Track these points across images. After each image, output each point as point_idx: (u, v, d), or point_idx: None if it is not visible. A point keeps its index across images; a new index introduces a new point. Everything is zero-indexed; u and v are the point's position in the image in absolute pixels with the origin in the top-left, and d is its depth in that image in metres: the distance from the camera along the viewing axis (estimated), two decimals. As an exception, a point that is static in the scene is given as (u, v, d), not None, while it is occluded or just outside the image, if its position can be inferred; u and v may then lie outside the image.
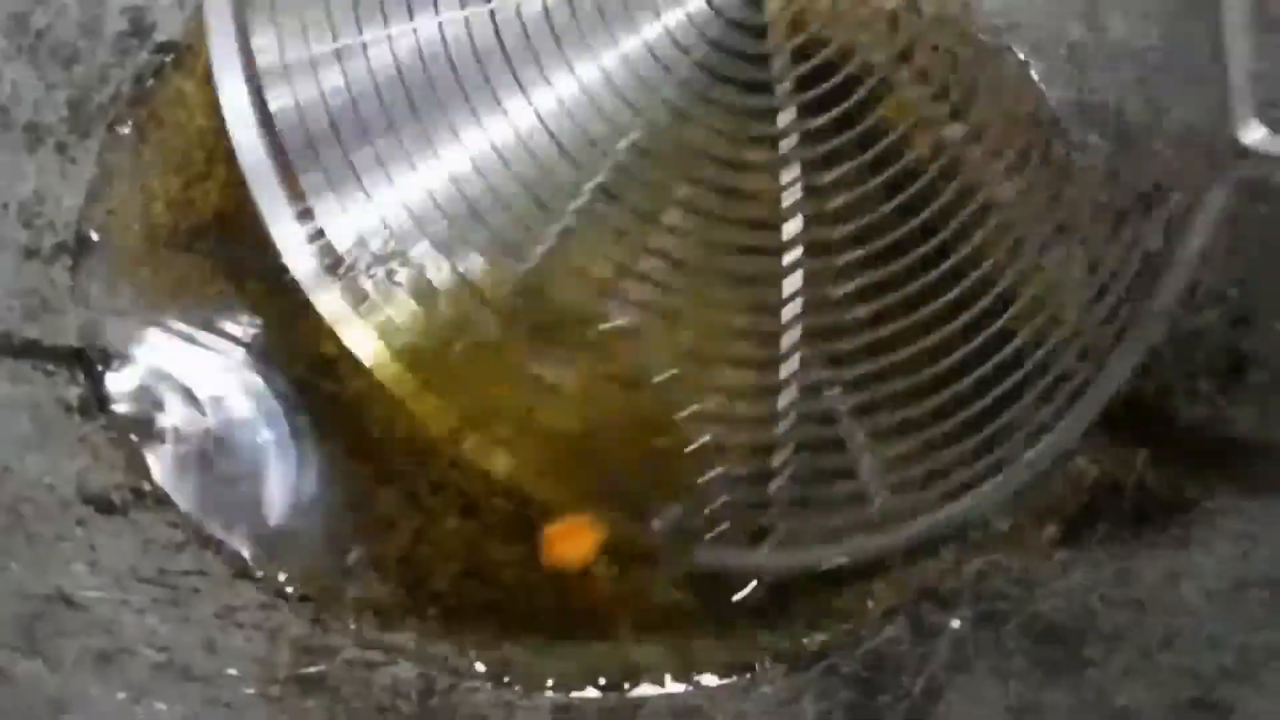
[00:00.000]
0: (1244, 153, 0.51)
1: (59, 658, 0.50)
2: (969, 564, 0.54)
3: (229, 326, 0.57)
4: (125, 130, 0.61)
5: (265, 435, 0.56)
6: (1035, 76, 0.61)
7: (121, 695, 0.50)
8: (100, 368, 0.58)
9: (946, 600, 0.54)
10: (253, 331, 0.57)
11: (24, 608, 0.51)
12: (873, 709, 0.51)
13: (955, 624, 0.53)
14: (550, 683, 0.53)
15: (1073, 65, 0.61)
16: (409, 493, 0.56)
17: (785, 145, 0.54)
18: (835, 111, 0.54)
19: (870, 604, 0.54)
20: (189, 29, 0.63)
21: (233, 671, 0.52)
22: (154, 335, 0.59)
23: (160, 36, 0.64)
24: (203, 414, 0.57)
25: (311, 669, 0.52)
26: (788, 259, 0.54)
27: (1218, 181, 0.53)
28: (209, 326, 0.57)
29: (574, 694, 0.53)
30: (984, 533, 0.55)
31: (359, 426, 0.57)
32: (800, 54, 0.54)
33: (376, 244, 0.54)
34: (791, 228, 0.54)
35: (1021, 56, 0.61)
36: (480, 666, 0.53)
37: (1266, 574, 0.50)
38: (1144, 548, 0.53)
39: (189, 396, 0.57)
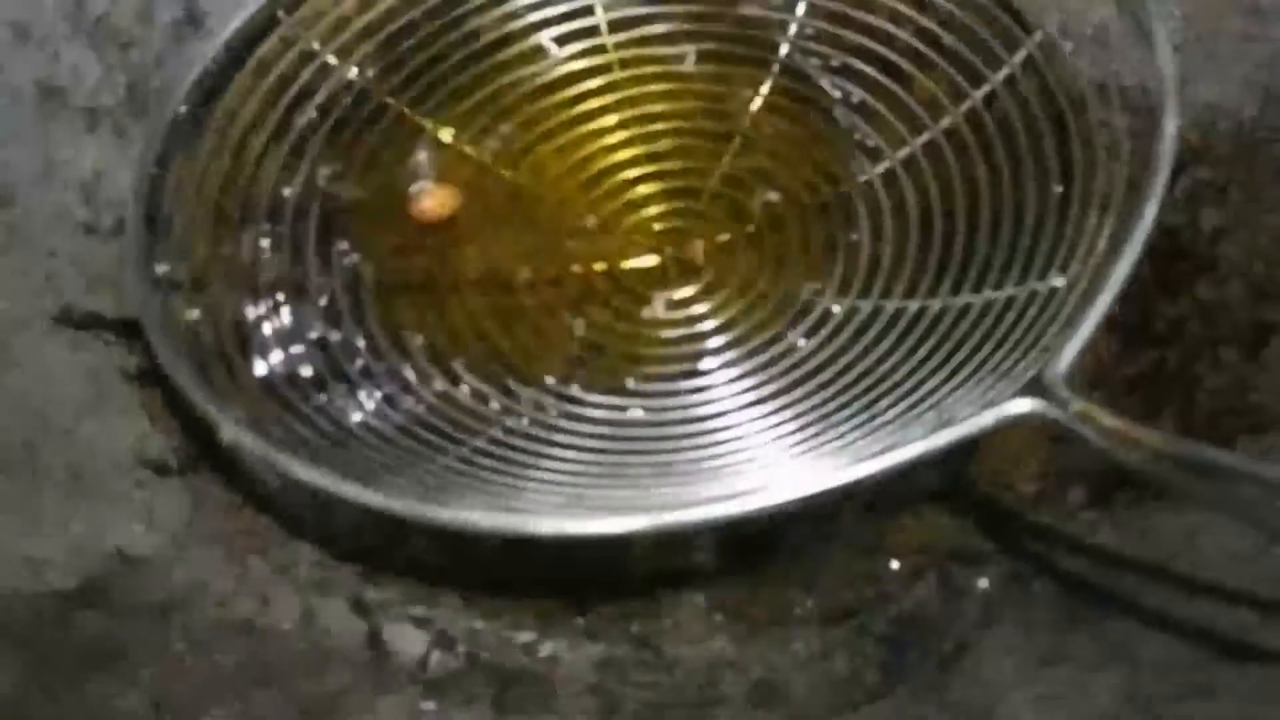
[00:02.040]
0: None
1: (119, 609, 0.52)
2: (998, 527, 0.55)
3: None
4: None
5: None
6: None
7: (180, 645, 0.52)
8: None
9: (975, 561, 0.55)
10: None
11: (86, 563, 0.53)
12: (903, 664, 0.53)
13: (983, 584, 0.54)
14: (591, 640, 0.54)
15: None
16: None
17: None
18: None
19: (899, 565, 0.55)
20: (241, 19, 0.64)
21: (286, 626, 0.53)
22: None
23: (212, 24, 0.65)
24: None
25: (362, 624, 0.54)
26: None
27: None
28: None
29: (614, 650, 0.54)
30: (1011, 497, 0.56)
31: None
32: None
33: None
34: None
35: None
36: (523, 624, 0.54)
37: (1285, 533, 0.52)
38: (1167, 510, 0.54)
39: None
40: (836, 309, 0.58)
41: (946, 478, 0.56)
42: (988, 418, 0.50)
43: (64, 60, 0.63)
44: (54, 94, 0.63)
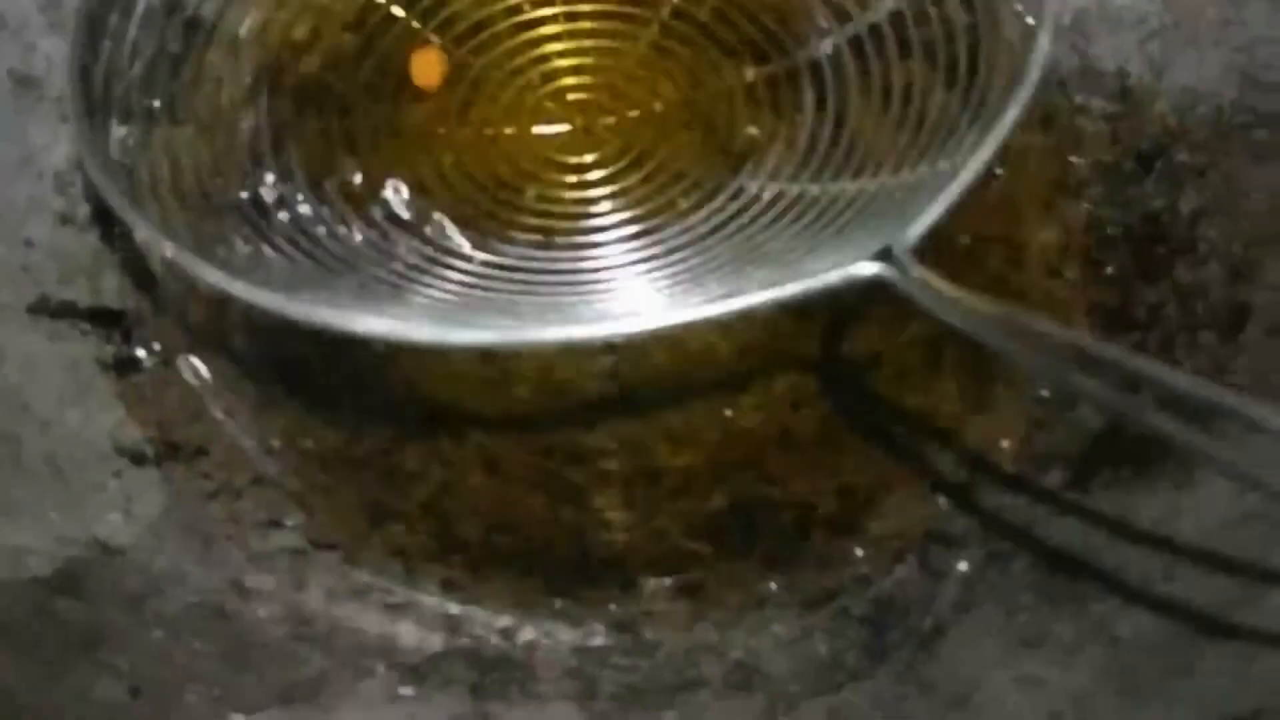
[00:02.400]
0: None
1: (96, 596, 0.52)
2: (977, 509, 0.56)
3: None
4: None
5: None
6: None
7: (158, 633, 0.52)
8: (133, 328, 0.60)
9: (955, 543, 0.55)
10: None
11: (63, 551, 0.53)
12: (882, 645, 0.53)
13: (963, 565, 0.54)
14: (571, 625, 0.54)
15: (1075, 31, 0.62)
16: (433, 447, 0.57)
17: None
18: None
19: (879, 548, 0.55)
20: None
21: (263, 614, 0.53)
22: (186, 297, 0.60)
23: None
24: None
25: (339, 612, 0.54)
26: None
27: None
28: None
29: (593, 637, 0.54)
30: (990, 479, 0.56)
31: (387, 382, 0.58)
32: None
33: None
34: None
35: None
36: (503, 609, 0.54)
37: (1261, 510, 0.52)
38: (1145, 489, 0.54)
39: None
40: (723, 186, 0.61)
41: (923, 397, 0.59)
42: (834, 275, 0.52)
43: (39, 50, 0.63)
44: (29, 84, 0.62)
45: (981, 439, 0.58)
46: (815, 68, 0.64)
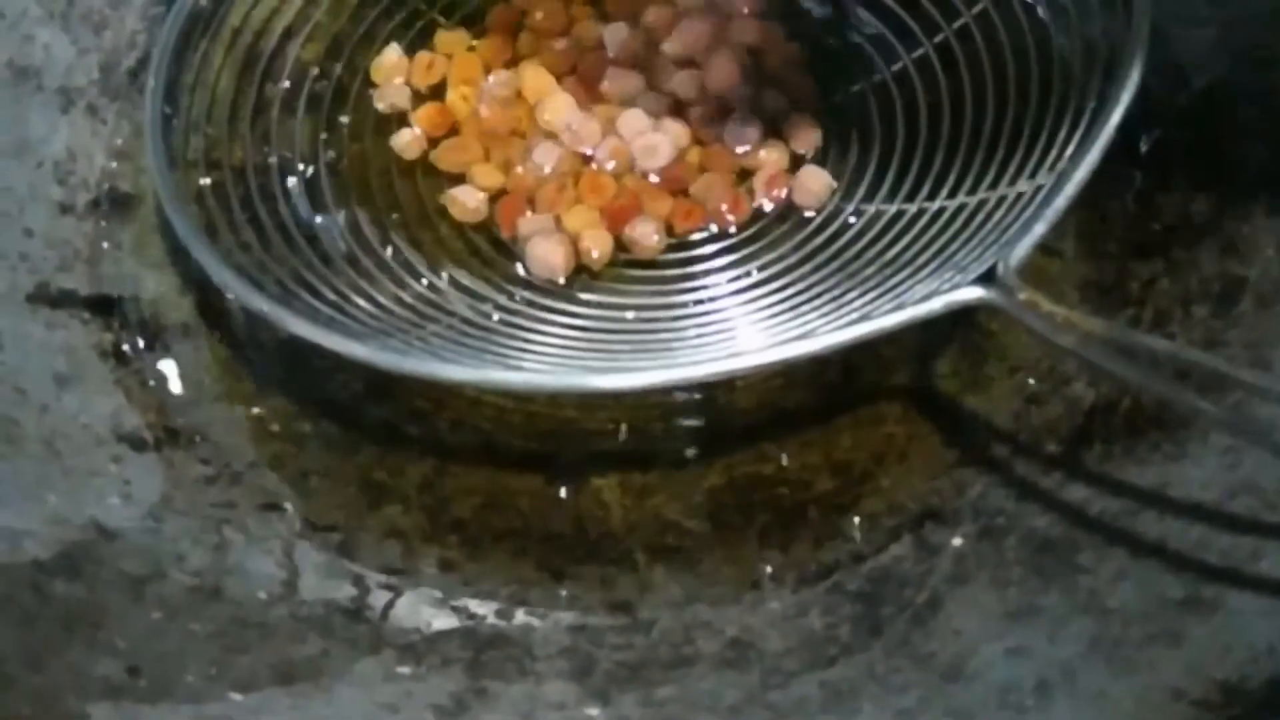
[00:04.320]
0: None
1: (95, 580, 0.52)
2: (971, 485, 0.56)
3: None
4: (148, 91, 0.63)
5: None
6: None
7: (157, 615, 0.52)
8: (132, 315, 0.60)
9: (948, 519, 0.55)
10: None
11: (62, 534, 0.53)
12: (876, 620, 0.53)
13: (956, 541, 0.54)
14: (567, 603, 0.54)
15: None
16: (430, 427, 0.58)
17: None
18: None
19: (873, 524, 0.55)
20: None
21: (262, 595, 0.54)
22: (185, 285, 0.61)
23: (186, 2, 0.65)
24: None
25: (336, 593, 0.54)
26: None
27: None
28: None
29: (589, 615, 0.54)
30: (984, 454, 0.56)
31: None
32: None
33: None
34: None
35: None
36: (500, 589, 0.55)
37: (1251, 483, 0.52)
38: (1136, 463, 0.54)
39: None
40: (815, 212, 0.61)
41: (918, 374, 0.59)
42: (937, 303, 0.53)
43: (37, 41, 0.63)
44: (27, 75, 0.63)
45: (976, 414, 0.58)
46: (904, 80, 0.64)
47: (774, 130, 0.63)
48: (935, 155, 0.61)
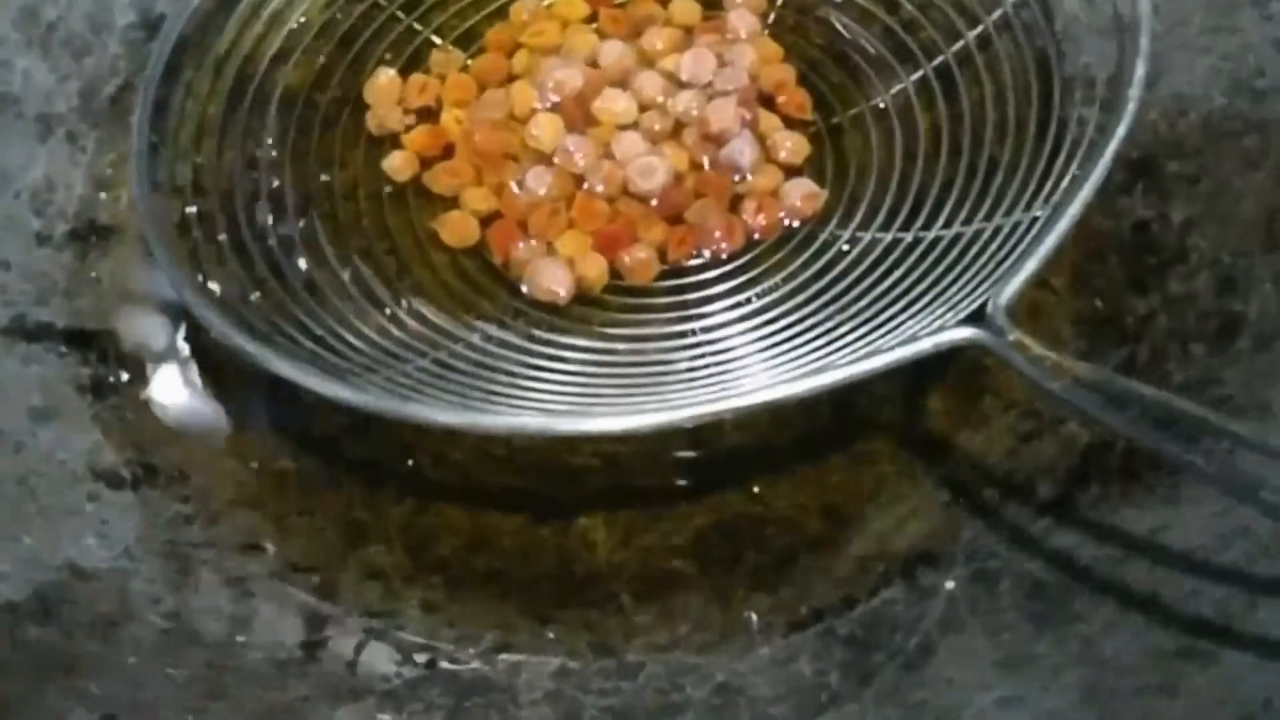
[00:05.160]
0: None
1: (69, 623, 0.51)
2: (964, 527, 0.55)
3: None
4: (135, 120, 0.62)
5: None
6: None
7: (132, 659, 0.51)
8: (110, 349, 0.59)
9: (941, 562, 0.54)
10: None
11: (36, 576, 0.52)
12: (867, 667, 0.52)
13: (949, 584, 0.54)
14: (552, 647, 0.53)
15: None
16: (412, 466, 0.57)
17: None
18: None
19: (865, 566, 0.54)
20: (197, 20, 0.63)
21: (240, 639, 0.53)
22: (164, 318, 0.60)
23: (168, 28, 0.64)
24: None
25: (317, 636, 0.53)
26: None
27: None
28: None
29: (574, 660, 0.53)
30: (977, 496, 0.55)
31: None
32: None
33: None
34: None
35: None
36: (483, 631, 0.54)
37: (1249, 529, 0.51)
38: (1131, 506, 0.54)
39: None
40: (808, 239, 0.60)
41: (910, 411, 0.58)
42: (926, 343, 0.52)
43: (15, 68, 0.62)
44: (5, 102, 0.62)
45: (969, 453, 0.57)
46: (903, 104, 0.63)
47: (769, 153, 0.62)
48: (931, 183, 0.60)
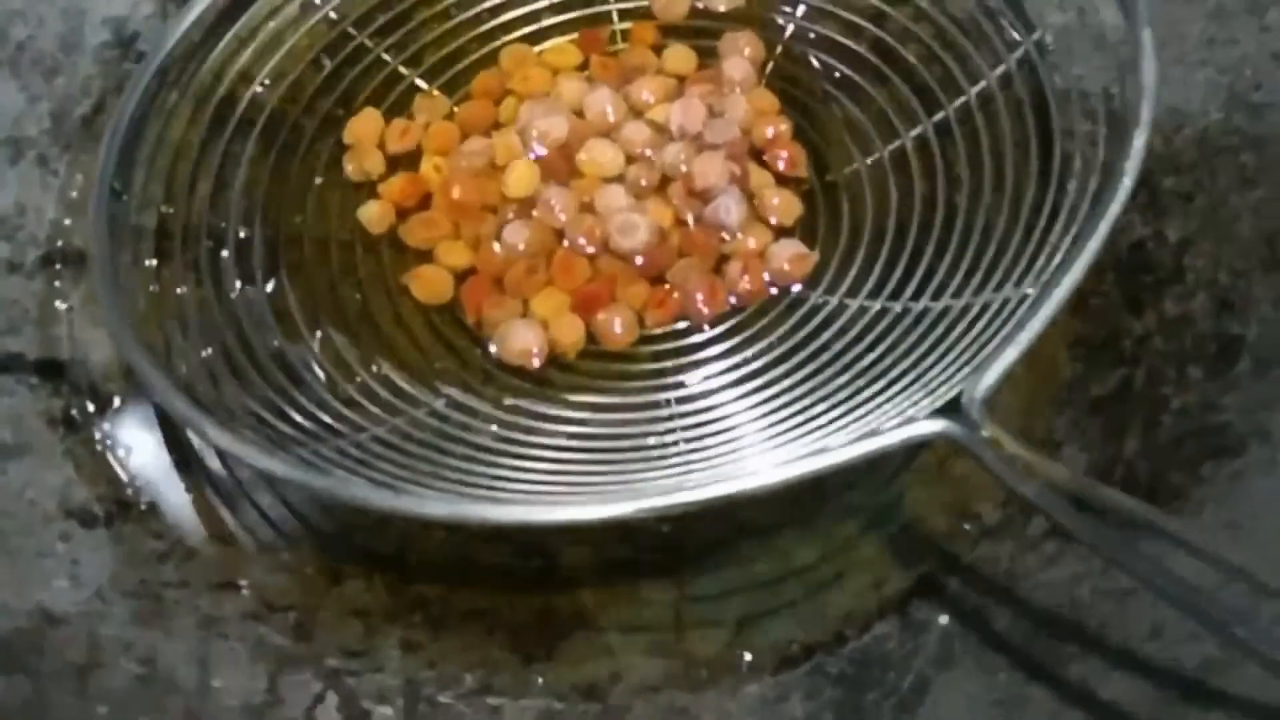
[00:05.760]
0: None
1: (38, 672, 0.50)
2: (959, 558, 0.54)
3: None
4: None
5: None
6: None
7: (102, 709, 0.50)
8: (84, 381, 0.58)
9: (935, 595, 0.53)
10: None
11: (3, 623, 0.51)
12: (860, 707, 0.51)
13: (943, 620, 0.52)
14: (537, 687, 0.52)
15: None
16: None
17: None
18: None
19: (857, 601, 0.53)
20: (174, 41, 0.62)
21: (216, 683, 0.52)
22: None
23: (142, 47, 0.63)
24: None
25: (296, 678, 0.52)
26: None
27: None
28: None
29: (559, 701, 0.52)
30: (972, 526, 0.54)
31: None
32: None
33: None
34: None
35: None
36: (466, 672, 0.52)
37: (1255, 563, 0.49)
38: (1129, 540, 0.52)
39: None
40: (792, 305, 0.58)
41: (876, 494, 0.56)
42: (894, 437, 0.50)
43: (-16, 92, 0.61)
44: (-28, 126, 0.61)
45: (965, 480, 0.56)
46: (901, 166, 0.61)
47: (758, 210, 0.60)
48: (924, 249, 0.58)
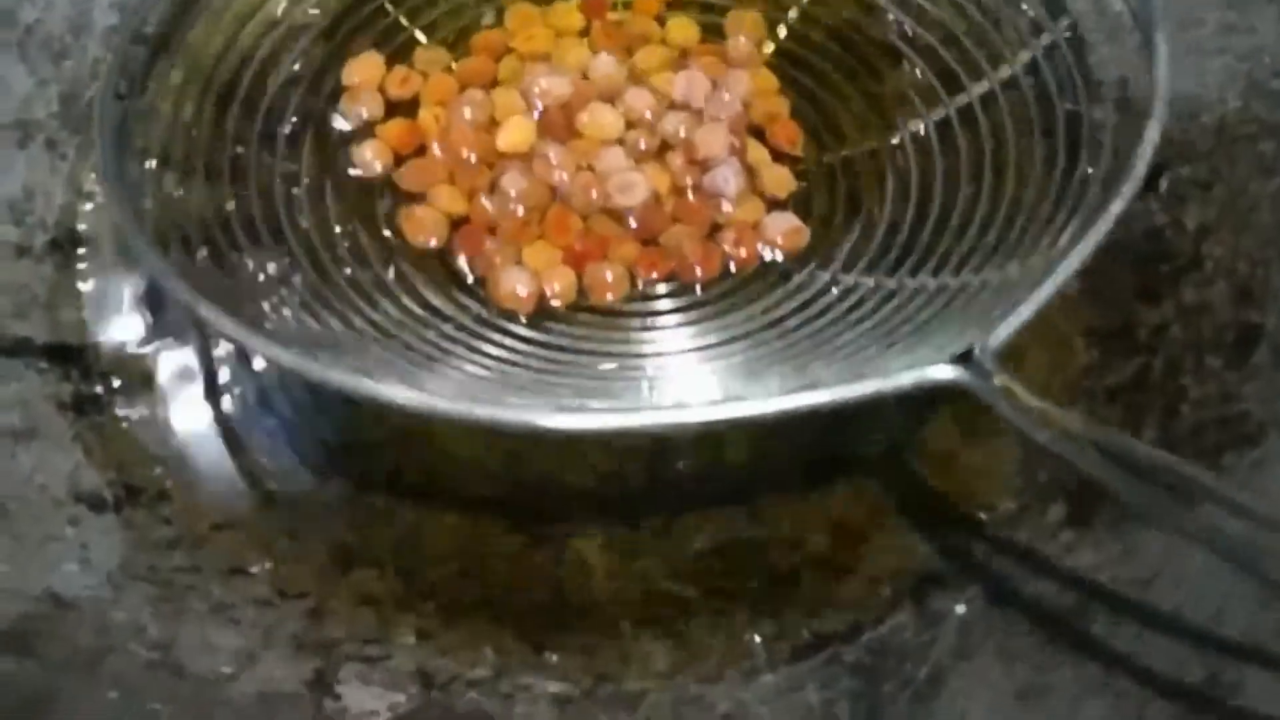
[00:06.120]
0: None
1: (48, 657, 0.49)
2: (975, 546, 0.53)
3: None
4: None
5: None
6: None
7: (113, 694, 0.49)
8: (93, 364, 0.57)
9: (951, 584, 0.53)
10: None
11: (13, 607, 0.51)
12: (876, 697, 0.51)
13: (960, 609, 0.52)
14: (549, 675, 0.52)
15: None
16: (404, 488, 0.55)
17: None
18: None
19: (873, 590, 0.53)
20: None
21: (227, 669, 0.51)
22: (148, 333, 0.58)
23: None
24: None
25: (306, 665, 0.52)
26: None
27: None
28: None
29: (572, 689, 0.52)
30: (988, 514, 0.54)
31: (355, 422, 0.56)
32: None
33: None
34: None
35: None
36: (478, 659, 0.52)
37: (1273, 549, 0.49)
38: (1148, 528, 0.52)
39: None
40: (793, 273, 0.58)
41: (916, 425, 0.56)
42: (905, 378, 0.49)
43: (-11, 74, 0.60)
44: (-22, 110, 0.60)
45: (978, 468, 0.56)
46: (898, 152, 0.61)
47: (754, 184, 0.60)
48: (922, 229, 0.57)
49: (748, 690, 0.51)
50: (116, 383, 0.57)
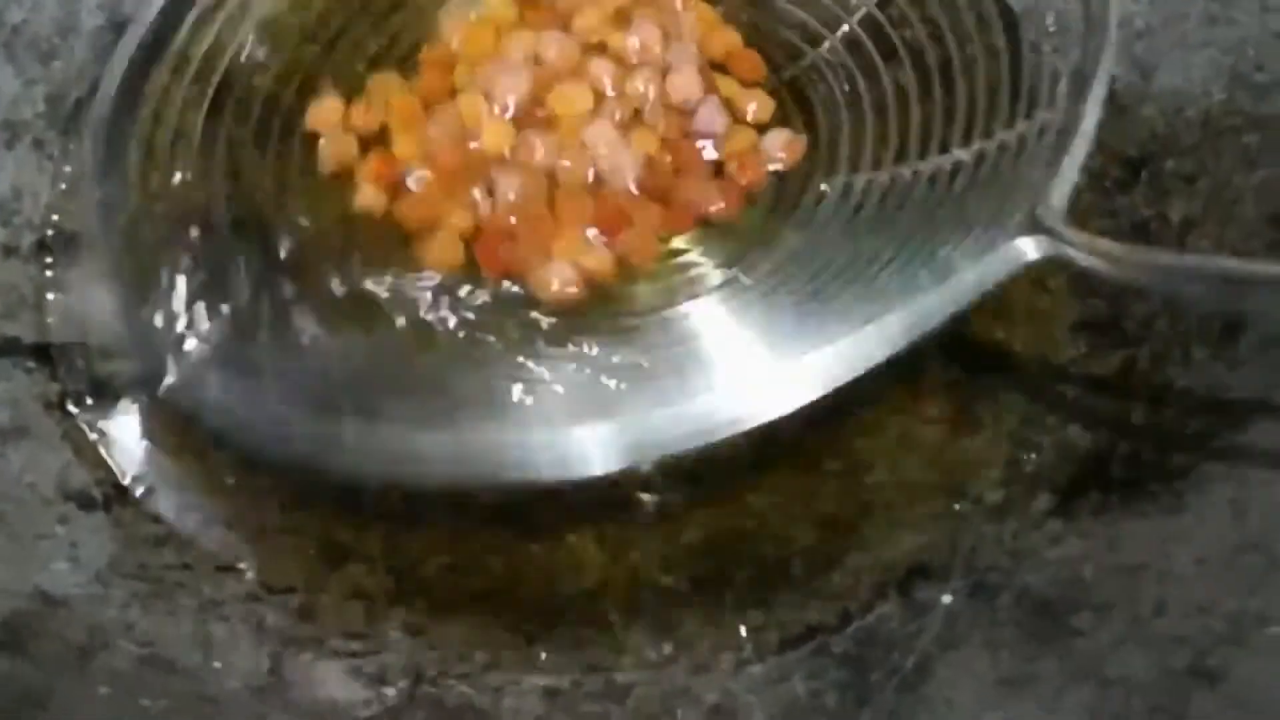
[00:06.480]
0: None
1: (40, 655, 0.49)
2: (961, 538, 0.53)
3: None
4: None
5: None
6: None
7: (104, 690, 0.49)
8: (81, 364, 0.57)
9: (938, 575, 0.53)
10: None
11: (3, 605, 0.51)
12: (864, 687, 0.51)
13: (947, 599, 0.52)
14: (539, 668, 0.52)
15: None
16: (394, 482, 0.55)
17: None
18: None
19: (860, 580, 0.53)
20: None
21: (217, 665, 0.51)
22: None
23: (138, 30, 0.63)
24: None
25: (298, 659, 0.52)
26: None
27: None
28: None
29: (563, 681, 0.52)
30: (975, 505, 0.54)
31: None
32: None
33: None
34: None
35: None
36: (467, 652, 0.52)
37: (1258, 539, 0.49)
38: (1135, 516, 0.52)
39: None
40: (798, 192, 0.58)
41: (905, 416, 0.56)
42: (994, 264, 0.47)
43: (-22, 75, 0.60)
44: (-32, 110, 0.60)
45: (966, 461, 0.56)
46: (855, 46, 0.61)
47: (736, 115, 0.61)
48: (910, 112, 0.57)
49: (736, 681, 0.52)
50: (104, 381, 0.57)
